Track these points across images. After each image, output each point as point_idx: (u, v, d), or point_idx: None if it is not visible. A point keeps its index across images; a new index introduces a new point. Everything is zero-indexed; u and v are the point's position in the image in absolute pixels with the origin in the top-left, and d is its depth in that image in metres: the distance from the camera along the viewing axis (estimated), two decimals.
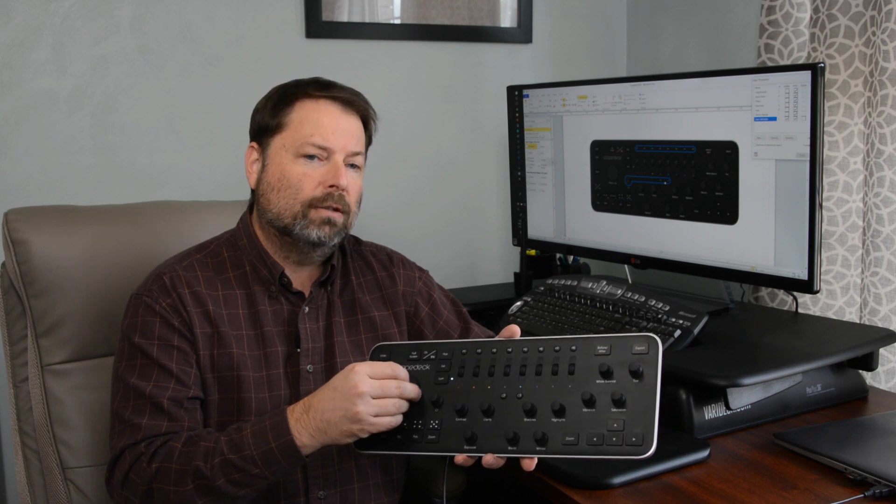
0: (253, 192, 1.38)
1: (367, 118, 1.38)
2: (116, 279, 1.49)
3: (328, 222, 1.31)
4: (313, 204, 1.30)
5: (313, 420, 1.15)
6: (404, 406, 1.16)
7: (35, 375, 1.47)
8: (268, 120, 1.34)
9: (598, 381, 1.09)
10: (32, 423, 1.48)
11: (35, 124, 1.91)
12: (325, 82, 1.36)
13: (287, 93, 1.34)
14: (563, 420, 1.08)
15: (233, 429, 1.20)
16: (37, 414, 1.47)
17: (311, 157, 1.30)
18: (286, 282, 1.35)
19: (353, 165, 1.34)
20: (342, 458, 1.32)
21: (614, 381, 1.08)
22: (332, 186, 1.30)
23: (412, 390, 1.17)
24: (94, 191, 1.93)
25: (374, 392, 1.13)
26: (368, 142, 1.40)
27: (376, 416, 1.13)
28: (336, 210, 1.31)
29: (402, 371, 1.17)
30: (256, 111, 1.38)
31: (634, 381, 1.06)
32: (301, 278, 1.38)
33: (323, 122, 1.31)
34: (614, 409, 1.06)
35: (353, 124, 1.34)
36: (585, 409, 1.08)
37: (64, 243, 1.47)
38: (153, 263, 1.41)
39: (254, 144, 1.37)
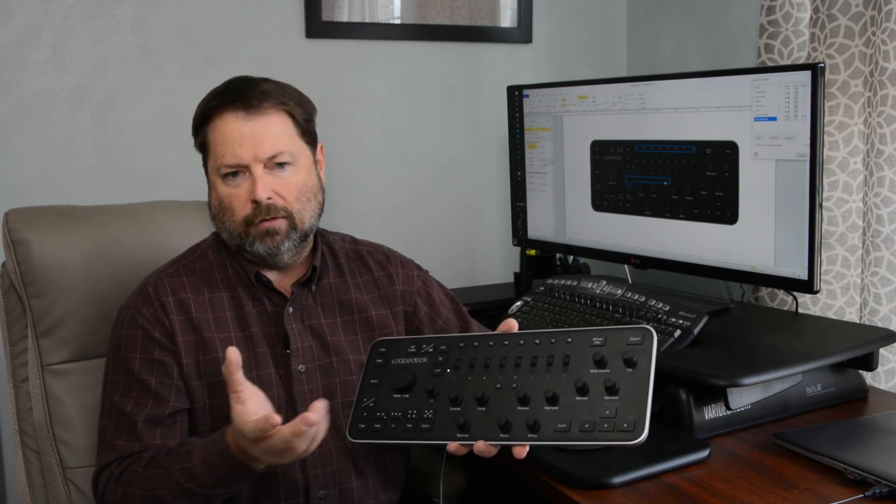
0: None
1: (287, 111, 1.31)
2: (116, 279, 1.49)
3: (268, 233, 1.30)
4: (248, 222, 1.29)
5: (241, 455, 1.14)
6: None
7: (35, 375, 1.47)
8: (196, 144, 1.34)
9: (591, 371, 1.09)
10: (32, 423, 1.48)
11: (35, 124, 1.91)
12: (232, 88, 1.31)
13: (198, 115, 1.33)
14: (556, 408, 1.08)
15: (182, 453, 1.20)
16: (37, 414, 1.47)
17: (233, 174, 1.29)
18: (266, 281, 1.35)
19: (281, 164, 1.30)
20: (341, 457, 1.33)
21: (608, 370, 1.08)
22: (254, 202, 1.29)
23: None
24: (94, 191, 1.93)
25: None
26: (303, 129, 1.34)
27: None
28: (272, 220, 1.29)
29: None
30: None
31: (628, 369, 1.07)
32: (283, 279, 1.38)
33: (228, 139, 1.28)
34: (607, 397, 1.06)
35: (262, 126, 1.28)
36: (578, 398, 1.08)
37: (64, 243, 1.47)
38: (153, 263, 1.41)
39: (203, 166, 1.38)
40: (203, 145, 1.33)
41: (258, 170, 1.28)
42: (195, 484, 1.17)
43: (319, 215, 1.37)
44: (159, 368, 1.28)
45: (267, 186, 1.28)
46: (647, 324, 1.56)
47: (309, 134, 1.36)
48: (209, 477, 1.16)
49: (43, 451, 1.46)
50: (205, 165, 1.36)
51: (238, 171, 1.29)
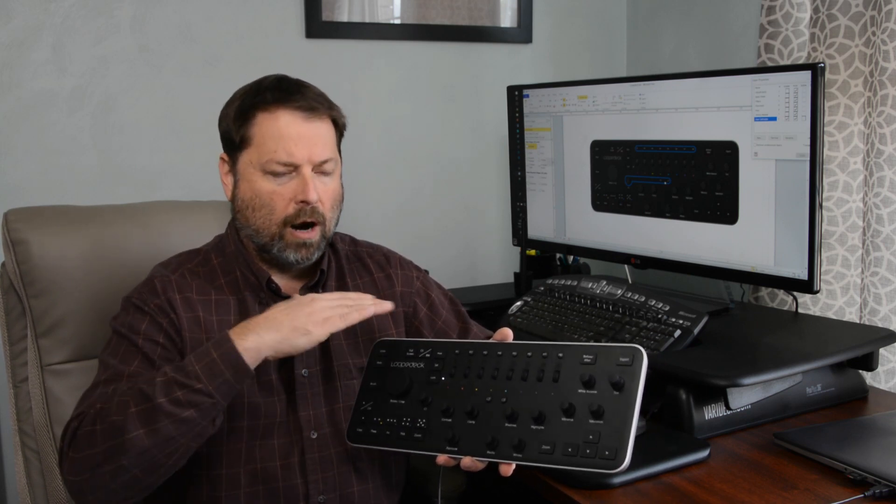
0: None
1: (334, 118, 1.33)
2: (116, 279, 1.49)
3: (305, 245, 1.30)
4: (288, 222, 1.29)
5: (255, 324, 1.16)
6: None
7: (35, 375, 1.47)
8: (232, 134, 1.31)
9: (579, 391, 1.09)
10: (32, 423, 1.48)
11: (35, 124, 1.91)
12: (286, 86, 1.31)
13: (245, 105, 1.30)
14: (542, 428, 1.09)
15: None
16: (37, 414, 1.47)
17: (277, 173, 1.28)
18: (275, 287, 1.35)
19: (325, 171, 1.31)
20: (341, 462, 1.32)
21: (595, 392, 1.08)
22: (302, 202, 1.28)
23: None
24: (94, 191, 1.93)
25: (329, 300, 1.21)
26: (340, 138, 1.37)
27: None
28: (312, 226, 1.30)
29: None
30: (222, 118, 1.34)
31: (615, 392, 1.06)
32: (290, 283, 1.37)
33: (284, 137, 1.27)
34: (592, 421, 1.06)
35: (317, 130, 1.29)
36: (564, 419, 1.08)
37: (64, 243, 1.47)
38: (153, 263, 1.41)
39: (224, 156, 1.35)
40: (244, 137, 1.29)
41: (308, 171, 1.28)
42: (182, 374, 1.12)
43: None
44: (162, 351, 1.26)
45: (318, 187, 1.29)
46: (647, 324, 1.56)
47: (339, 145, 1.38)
48: (197, 363, 1.12)
49: (43, 451, 1.46)
50: (231, 156, 1.33)
51: (284, 170, 1.28)
